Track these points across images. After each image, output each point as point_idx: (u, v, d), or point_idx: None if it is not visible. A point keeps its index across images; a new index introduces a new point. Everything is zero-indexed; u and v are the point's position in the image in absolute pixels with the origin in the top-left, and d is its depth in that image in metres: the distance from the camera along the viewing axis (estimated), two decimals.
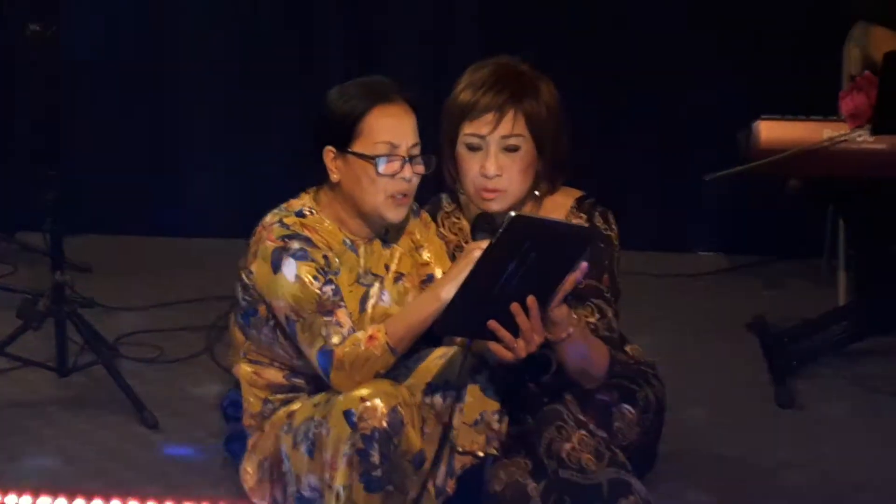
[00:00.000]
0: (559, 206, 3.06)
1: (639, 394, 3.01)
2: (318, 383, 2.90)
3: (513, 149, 2.94)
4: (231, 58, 5.47)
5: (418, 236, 3.06)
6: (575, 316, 2.81)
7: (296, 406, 2.95)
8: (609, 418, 2.95)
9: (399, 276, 3.01)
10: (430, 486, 2.83)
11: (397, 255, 3.02)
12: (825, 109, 4.02)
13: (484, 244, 2.69)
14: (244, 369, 3.01)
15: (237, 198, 5.35)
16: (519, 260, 2.60)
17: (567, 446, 2.84)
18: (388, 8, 5.39)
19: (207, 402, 3.82)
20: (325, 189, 2.96)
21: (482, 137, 2.94)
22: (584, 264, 2.68)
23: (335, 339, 2.79)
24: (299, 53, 5.42)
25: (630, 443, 2.96)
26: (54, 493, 2.98)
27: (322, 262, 2.84)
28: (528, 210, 3.01)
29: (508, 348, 2.70)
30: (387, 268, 2.99)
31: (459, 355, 2.84)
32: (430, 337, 2.84)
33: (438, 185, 3.10)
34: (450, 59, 5.20)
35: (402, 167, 2.86)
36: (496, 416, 2.87)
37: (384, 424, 2.72)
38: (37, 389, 3.94)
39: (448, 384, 2.86)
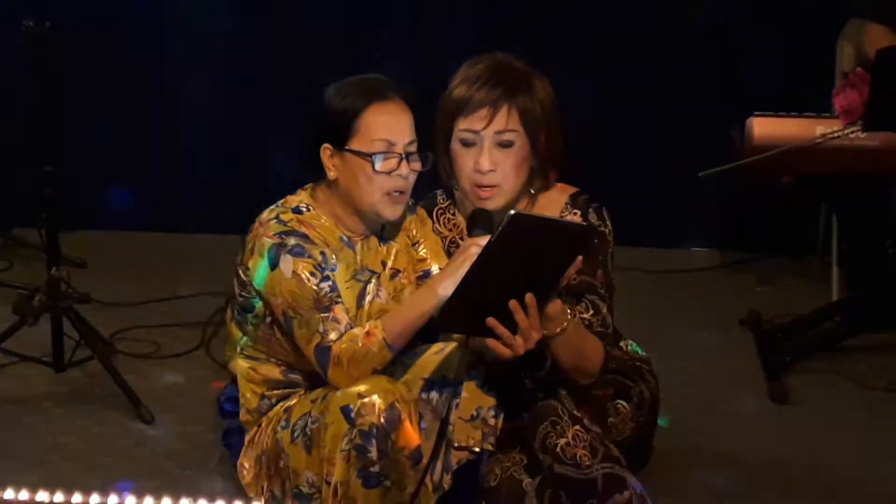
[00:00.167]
0: (553, 203, 3.05)
1: (633, 389, 3.01)
2: (315, 379, 2.90)
3: (507, 144, 2.94)
4: (228, 55, 5.48)
5: (414, 232, 3.06)
6: (569, 311, 2.81)
7: (293, 402, 2.95)
8: (604, 414, 2.95)
9: (396, 273, 3.01)
10: (427, 481, 2.83)
11: (394, 251, 3.01)
12: (818, 106, 4.04)
13: (481, 241, 2.70)
14: (241, 365, 3.02)
15: (234, 194, 5.35)
16: (517, 257, 2.60)
17: (562, 441, 2.84)
18: (384, 5, 5.39)
19: (204, 398, 3.82)
20: (322, 186, 2.95)
21: (476, 133, 2.93)
22: (578, 258, 2.68)
23: (332, 336, 2.79)
24: (296, 51, 5.42)
25: (624, 438, 2.96)
26: (51, 489, 2.98)
27: (319, 258, 2.84)
28: (522, 207, 3.01)
29: (506, 345, 2.69)
30: (383, 264, 3.00)
31: (456, 351, 2.85)
32: (427, 333, 2.85)
33: (434, 181, 3.11)
34: (446, 56, 5.19)
35: (398, 164, 2.86)
36: (492, 412, 2.87)
37: (382, 420, 2.73)
38: (33, 385, 3.95)
39: (445, 380, 2.86)
